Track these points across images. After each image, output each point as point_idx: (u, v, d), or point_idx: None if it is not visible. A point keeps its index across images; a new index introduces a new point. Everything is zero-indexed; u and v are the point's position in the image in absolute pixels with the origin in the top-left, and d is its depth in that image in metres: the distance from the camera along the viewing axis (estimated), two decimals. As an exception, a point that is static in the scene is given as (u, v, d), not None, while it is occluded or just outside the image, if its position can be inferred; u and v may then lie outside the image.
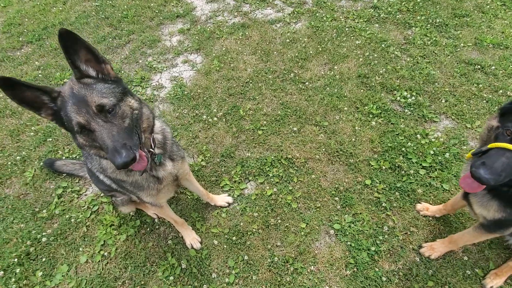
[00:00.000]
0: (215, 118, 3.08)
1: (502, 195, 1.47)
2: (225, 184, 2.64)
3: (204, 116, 3.11)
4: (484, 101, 3.00)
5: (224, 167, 2.74)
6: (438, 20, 3.88)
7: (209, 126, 3.04)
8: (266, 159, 2.74)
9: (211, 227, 2.42)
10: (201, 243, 2.33)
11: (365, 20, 3.96)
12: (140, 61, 3.79)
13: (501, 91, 3.08)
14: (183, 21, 4.27)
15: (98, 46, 3.99)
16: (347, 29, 3.85)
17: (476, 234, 1.81)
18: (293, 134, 2.91)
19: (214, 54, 3.72)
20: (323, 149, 2.77)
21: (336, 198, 2.49)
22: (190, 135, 2.98)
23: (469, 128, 2.83)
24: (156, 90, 3.46)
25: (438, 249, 2.13)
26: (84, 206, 2.64)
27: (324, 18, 4.05)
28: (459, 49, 3.53)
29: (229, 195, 2.58)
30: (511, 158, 1.21)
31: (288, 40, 3.77)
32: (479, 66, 3.32)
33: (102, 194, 2.61)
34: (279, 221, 2.40)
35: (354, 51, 3.59)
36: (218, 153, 2.83)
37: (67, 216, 2.56)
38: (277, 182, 2.62)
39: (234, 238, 2.33)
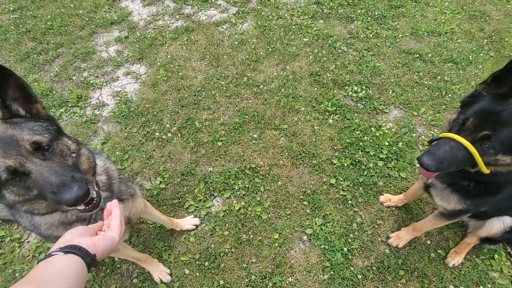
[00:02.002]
0: (169, 134, 2.85)
1: (463, 189, 1.54)
2: (190, 205, 2.47)
3: (157, 133, 2.86)
4: (426, 88, 3.22)
5: (186, 186, 2.56)
6: (377, 13, 4.06)
7: (163, 144, 2.81)
8: (230, 172, 2.62)
9: (180, 255, 2.24)
10: (171, 275, 2.15)
11: (309, 16, 3.99)
12: (74, 77, 3.36)
13: (439, 77, 3.33)
14: (119, 28, 3.88)
15: (22, 64, 3.45)
16: (293, 26, 3.84)
17: (437, 221, 1.92)
18: (254, 141, 2.82)
19: (159, 63, 3.44)
20: (286, 154, 2.73)
21: (305, 202, 2.47)
22: (144, 156, 2.73)
23: (416, 115, 3.01)
24: (97, 109, 3.10)
25: (404, 237, 2.23)
26: (28, 255, 2.27)
27: (270, 16, 3.99)
28: (398, 40, 3.74)
29: (195, 216, 2.42)
30: (454, 147, 1.26)
31: (236, 42, 3.64)
32: (417, 55, 3.55)
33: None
34: (251, 235, 2.31)
35: (303, 49, 3.59)
36: (178, 172, 2.63)
37: (10, 271, 2.19)
38: (244, 195, 2.51)
39: (206, 263, 2.18)
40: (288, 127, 2.92)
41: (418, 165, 1.42)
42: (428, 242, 2.27)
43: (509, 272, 2.16)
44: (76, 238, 0.84)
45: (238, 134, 2.87)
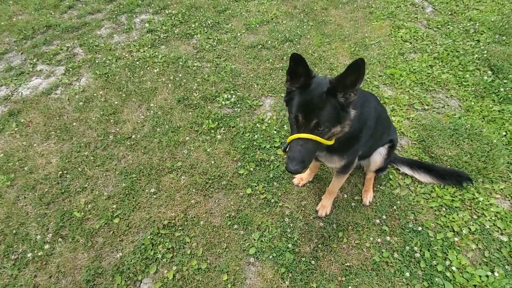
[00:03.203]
0: (47, 246, 2.22)
1: (336, 150, 1.79)
2: (115, 310, 2.00)
3: (29, 254, 2.19)
4: (280, 70, 3.56)
5: (100, 291, 2.05)
6: (209, 21, 4.23)
7: (44, 261, 2.17)
8: (144, 243, 2.24)
9: None
10: None
11: (149, 46, 3.82)
12: None
13: (285, 57, 3.73)
14: None
15: None
16: (137, 62, 3.60)
17: (339, 178, 2.17)
18: (154, 196, 2.51)
19: (-10, 169, 2.64)
20: (193, 190, 2.54)
21: (235, 226, 2.36)
22: (23, 291, 2.04)
23: (284, 96, 3.29)
24: None
25: (327, 203, 2.41)
26: None
27: (107, 61, 3.62)
28: (239, 39, 4.00)
29: (128, 318, 1.97)
30: (303, 144, 1.48)
31: (81, 103, 3.15)
32: (260, 45, 3.89)
33: None
34: (201, 294, 2.05)
35: (159, 80, 3.41)
36: (80, 283, 2.08)
37: None
38: (172, 258, 2.20)
39: None
40: (182, 163, 2.72)
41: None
42: (345, 196, 2.52)
43: (404, 182, 2.62)
44: None
45: (133, 198, 2.49)
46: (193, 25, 4.15)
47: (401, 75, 3.51)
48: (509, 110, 3.10)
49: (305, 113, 1.46)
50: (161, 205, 2.46)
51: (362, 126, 1.77)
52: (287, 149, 1.59)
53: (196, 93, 3.29)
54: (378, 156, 2.26)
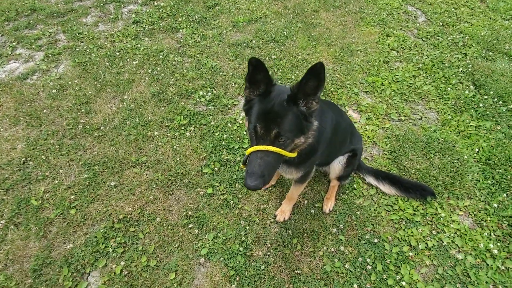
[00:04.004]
0: (-1, 231, 2.23)
1: (293, 162, 1.72)
2: (59, 301, 1.99)
3: (-20, 238, 2.19)
4: (260, 71, 3.52)
5: (45, 282, 2.05)
6: (197, 16, 4.19)
7: (-5, 247, 2.17)
8: (96, 236, 2.23)
9: None
10: None
11: (132, 38, 3.79)
12: None
13: (267, 57, 3.69)
14: None
15: None
16: (118, 53, 3.57)
17: (297, 187, 2.14)
18: (114, 189, 2.49)
19: (-46, 150, 2.64)
20: (154, 186, 2.52)
21: (191, 225, 2.34)
22: (-31, 276, 2.04)
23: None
24: None
25: (286, 209, 2.38)
26: None
27: (88, 50, 3.60)
28: (224, 36, 3.96)
29: (70, 310, 1.96)
30: (263, 157, 1.36)
31: (55, 90, 3.13)
32: (245, 44, 3.85)
33: None
34: (146, 291, 2.04)
35: (137, 73, 3.39)
36: (27, 271, 2.08)
37: None
38: (122, 253, 2.19)
39: None
40: (148, 157, 2.70)
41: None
42: (305, 202, 2.50)
43: (368, 193, 2.59)
44: None
45: (93, 190, 2.48)
46: (180, 19, 4.12)
47: (382, 83, 3.47)
48: (485, 127, 3.05)
49: (265, 122, 1.36)
50: (120, 199, 2.45)
51: (319, 138, 1.69)
52: (246, 162, 1.48)
53: (172, 88, 3.26)
54: (338, 165, 2.23)
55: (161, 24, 4.02)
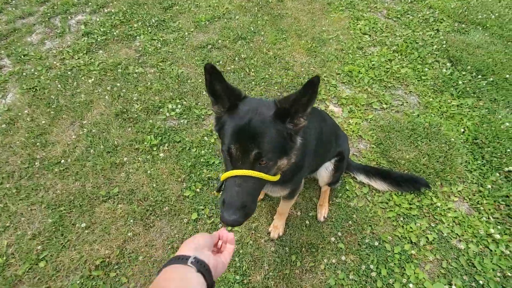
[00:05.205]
0: (-45, 304, 1.91)
1: (278, 181, 1.50)
2: None
3: None
4: (232, 73, 3.28)
5: None
6: (154, 20, 3.84)
7: (-49, 324, 1.86)
8: (72, 290, 1.97)
9: None
10: None
11: (84, 52, 3.40)
12: None
13: (237, 57, 3.44)
14: None
15: None
16: (70, 72, 3.19)
17: (286, 203, 1.99)
18: (86, 231, 2.22)
19: None
20: (132, 220, 2.27)
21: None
22: None
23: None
24: None
25: (279, 224, 2.22)
26: None
27: (36, 73, 3.20)
28: (187, 39, 3.66)
29: None
30: (241, 183, 1.13)
31: (4, 125, 2.75)
32: (210, 45, 3.57)
33: None
34: None
35: (94, 92, 3.04)
36: None
37: None
38: (105, 304, 1.95)
39: None
40: (120, 188, 2.43)
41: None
42: (299, 213, 2.34)
43: (362, 192, 2.47)
44: (205, 250, 0.88)
45: (62, 235, 2.19)
46: (135, 25, 3.75)
47: (359, 71, 3.33)
48: (467, 104, 3.01)
49: (241, 142, 1.14)
50: (95, 241, 2.18)
51: (304, 153, 1.50)
52: (221, 190, 1.26)
53: (137, 104, 2.96)
54: (325, 172, 2.09)
55: (115, 33, 3.64)
